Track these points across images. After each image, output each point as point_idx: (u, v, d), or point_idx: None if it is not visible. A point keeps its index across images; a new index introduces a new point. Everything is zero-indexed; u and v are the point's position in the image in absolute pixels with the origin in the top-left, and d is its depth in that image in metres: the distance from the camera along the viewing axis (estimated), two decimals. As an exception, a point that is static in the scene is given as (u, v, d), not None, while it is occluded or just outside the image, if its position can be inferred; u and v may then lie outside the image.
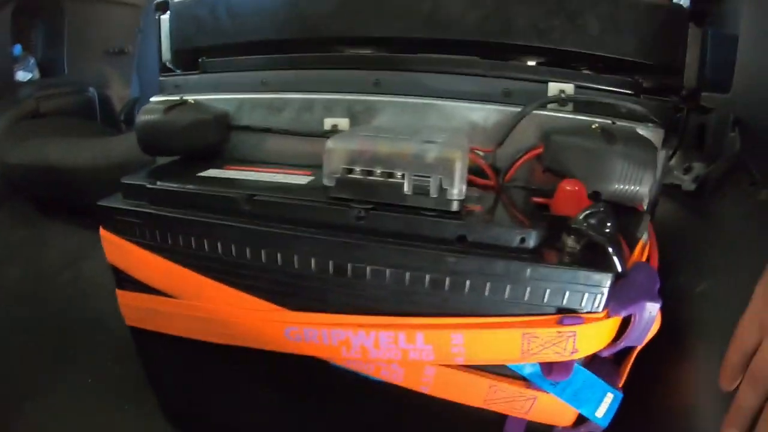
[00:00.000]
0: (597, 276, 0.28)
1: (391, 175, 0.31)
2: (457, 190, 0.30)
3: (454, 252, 0.29)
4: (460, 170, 0.29)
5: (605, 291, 0.28)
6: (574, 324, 0.28)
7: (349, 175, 0.32)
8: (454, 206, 0.30)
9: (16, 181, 0.81)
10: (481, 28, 0.39)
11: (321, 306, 0.33)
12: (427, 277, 0.30)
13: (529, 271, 0.28)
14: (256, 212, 0.34)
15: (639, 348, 0.32)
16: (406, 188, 0.30)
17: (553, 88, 0.37)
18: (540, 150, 0.35)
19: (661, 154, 0.37)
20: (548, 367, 0.30)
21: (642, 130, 0.36)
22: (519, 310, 0.29)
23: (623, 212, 0.34)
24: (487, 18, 0.38)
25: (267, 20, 0.47)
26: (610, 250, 0.28)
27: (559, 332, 0.28)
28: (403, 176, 0.30)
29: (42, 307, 0.71)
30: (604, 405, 0.31)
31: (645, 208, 0.36)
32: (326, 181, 0.32)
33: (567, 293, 0.28)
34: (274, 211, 0.34)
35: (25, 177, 0.80)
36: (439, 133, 0.34)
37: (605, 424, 0.32)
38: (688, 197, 0.47)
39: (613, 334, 0.29)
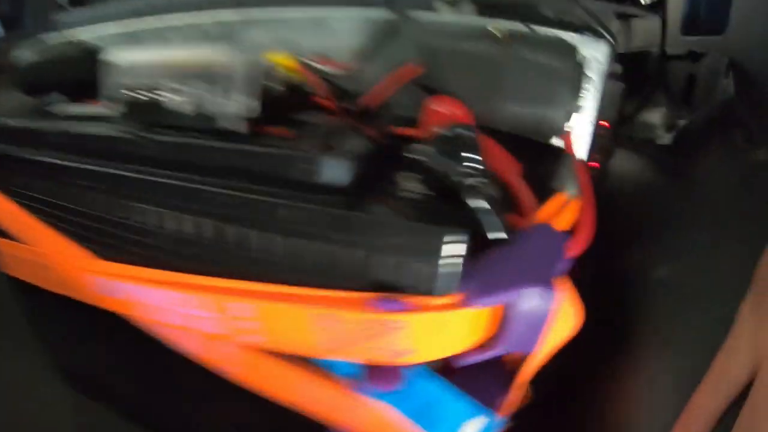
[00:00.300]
0: (440, 239, 0.16)
1: (172, 91, 0.21)
2: (239, 106, 0.20)
3: (232, 188, 0.19)
4: (242, 80, 0.19)
5: (457, 264, 0.17)
6: (395, 311, 0.17)
7: (131, 95, 0.22)
8: (237, 126, 0.20)
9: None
10: None
11: (113, 252, 0.24)
12: (208, 222, 0.20)
13: (329, 219, 0.17)
14: (58, 143, 0.26)
15: (541, 353, 0.20)
16: (186, 106, 0.21)
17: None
18: (418, 67, 0.24)
19: (609, 82, 0.25)
20: (370, 370, 0.19)
21: (577, 42, 0.24)
22: (331, 282, 0.18)
23: (541, 155, 0.23)
24: None
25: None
26: (470, 197, 0.17)
27: (375, 321, 0.17)
28: (184, 93, 0.21)
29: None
30: (468, 430, 0.20)
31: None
32: (111, 104, 0.23)
33: (399, 263, 0.17)
34: (73, 143, 0.26)
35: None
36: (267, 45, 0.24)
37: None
38: (663, 153, 0.35)
39: (480, 332, 0.18)
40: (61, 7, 0.48)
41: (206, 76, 0.20)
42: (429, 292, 0.17)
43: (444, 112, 0.21)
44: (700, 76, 0.41)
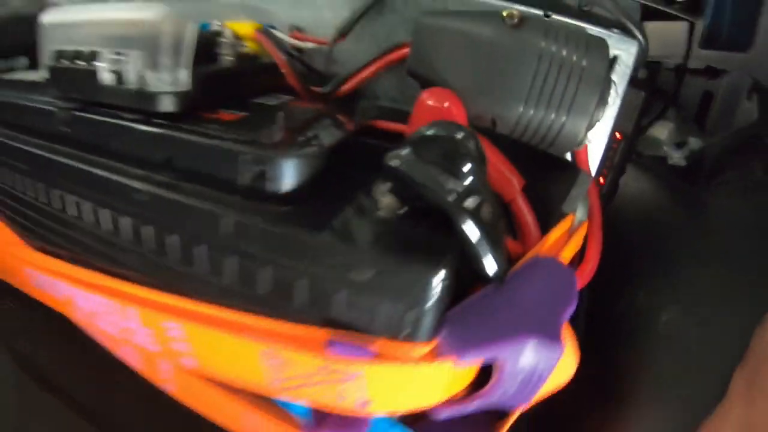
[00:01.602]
0: (417, 275, 0.12)
1: (93, 57, 0.17)
2: (165, 76, 0.16)
3: (152, 183, 0.15)
4: (170, 42, 0.15)
5: (436, 305, 0.13)
6: (353, 358, 0.13)
7: (60, 62, 0.18)
8: (163, 103, 0.16)
9: None
10: None
11: (54, 246, 0.20)
12: (128, 221, 0.16)
13: (277, 238, 0.13)
14: None
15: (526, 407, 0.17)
16: (103, 76, 0.16)
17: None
18: (408, 49, 0.19)
19: (630, 90, 0.21)
20: (320, 417, 0.15)
21: (604, 37, 0.20)
22: (280, 312, 0.14)
23: (547, 169, 0.19)
24: None
25: None
26: (460, 220, 0.13)
27: (329, 367, 0.13)
28: (114, 60, 0.16)
29: None
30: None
31: (590, 166, 0.20)
32: (42, 72, 0.19)
33: (363, 300, 0.13)
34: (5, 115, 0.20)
35: None
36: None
37: None
38: (676, 176, 0.31)
39: (459, 385, 0.15)
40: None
41: (117, 36, 0.16)
42: (397, 337, 0.13)
43: (437, 107, 0.17)
44: (718, 95, 0.37)
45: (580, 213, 0.20)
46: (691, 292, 0.23)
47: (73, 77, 0.17)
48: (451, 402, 0.15)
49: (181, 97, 0.17)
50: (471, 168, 0.13)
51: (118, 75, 0.16)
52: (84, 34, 0.17)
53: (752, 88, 0.33)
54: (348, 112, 0.19)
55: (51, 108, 0.18)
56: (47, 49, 0.18)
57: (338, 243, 0.12)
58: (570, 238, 0.18)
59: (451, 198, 0.13)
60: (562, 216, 0.19)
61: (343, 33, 0.21)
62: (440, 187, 0.13)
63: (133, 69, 0.16)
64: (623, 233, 0.26)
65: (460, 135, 0.13)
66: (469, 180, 0.13)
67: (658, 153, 0.35)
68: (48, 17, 0.19)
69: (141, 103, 0.17)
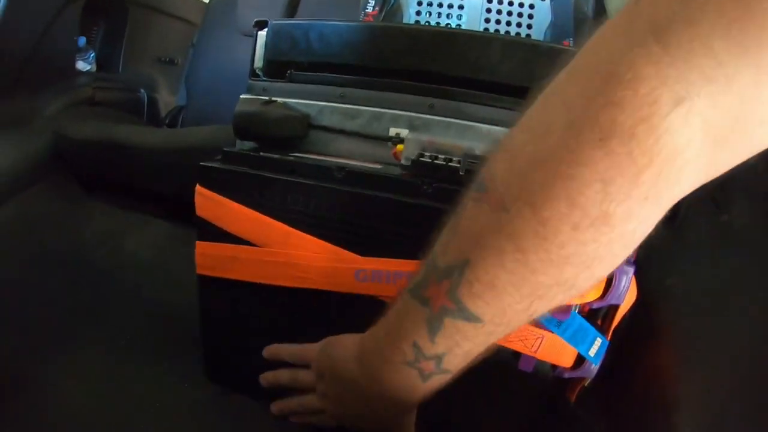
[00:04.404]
0: None
1: (449, 161, 0.49)
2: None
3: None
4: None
5: None
6: None
7: (421, 159, 0.49)
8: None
9: (69, 155, 0.95)
10: (509, 75, 0.58)
11: (387, 254, 0.49)
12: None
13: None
14: (345, 179, 0.51)
15: (621, 311, 0.48)
16: (460, 171, 0.48)
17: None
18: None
19: None
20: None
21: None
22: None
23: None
24: (514, 68, 0.58)
25: (349, 48, 0.66)
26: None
27: None
28: (459, 162, 0.48)
29: (77, 275, 0.83)
30: (595, 347, 0.46)
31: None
32: (404, 162, 0.50)
33: None
34: (360, 180, 0.50)
35: (81, 152, 0.94)
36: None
37: (596, 362, 0.47)
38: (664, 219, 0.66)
39: (601, 288, 0.45)
40: (255, 75, 0.72)
41: (471, 154, 0.47)
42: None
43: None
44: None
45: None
46: (679, 270, 0.55)
47: (436, 168, 0.48)
48: (597, 299, 0.45)
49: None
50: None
51: (470, 171, 0.47)
52: (443, 148, 0.48)
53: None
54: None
55: (413, 181, 0.49)
56: (410, 151, 0.49)
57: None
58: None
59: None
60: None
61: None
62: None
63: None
64: (644, 250, 0.58)
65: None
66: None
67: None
68: (411, 135, 0.50)
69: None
